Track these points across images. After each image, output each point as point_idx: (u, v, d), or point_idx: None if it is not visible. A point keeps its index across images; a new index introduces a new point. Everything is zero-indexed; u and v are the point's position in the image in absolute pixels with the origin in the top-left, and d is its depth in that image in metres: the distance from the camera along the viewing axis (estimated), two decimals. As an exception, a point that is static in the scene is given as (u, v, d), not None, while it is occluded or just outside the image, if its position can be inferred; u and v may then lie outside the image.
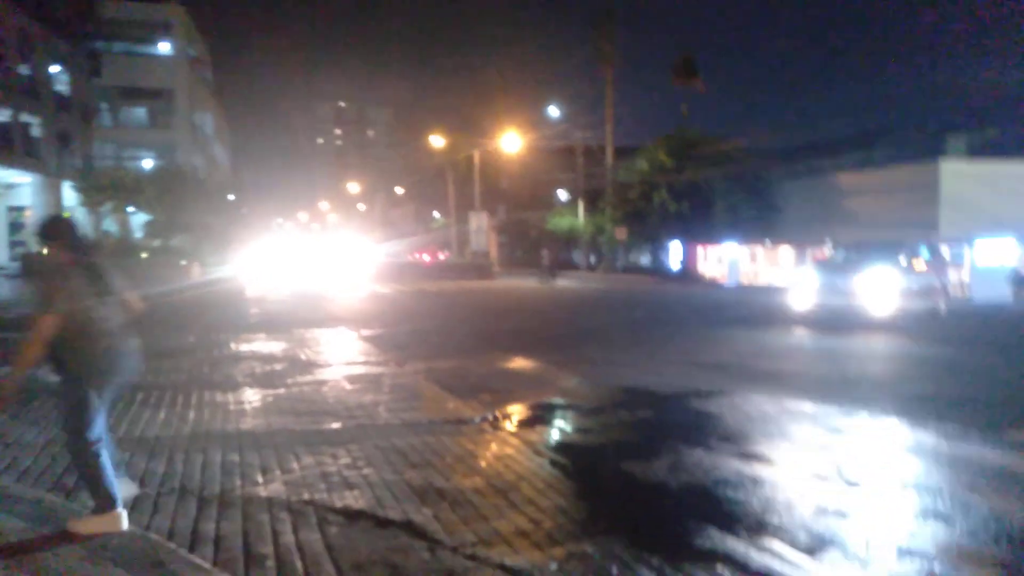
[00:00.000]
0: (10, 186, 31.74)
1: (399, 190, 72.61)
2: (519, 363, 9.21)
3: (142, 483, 4.41)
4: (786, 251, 30.95)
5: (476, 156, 40.58)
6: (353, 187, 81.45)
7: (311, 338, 11.26)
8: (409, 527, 3.80)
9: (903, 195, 25.86)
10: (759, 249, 32.13)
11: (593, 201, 37.44)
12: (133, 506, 4.01)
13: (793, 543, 3.61)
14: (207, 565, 3.19)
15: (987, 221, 21.87)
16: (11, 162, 29.06)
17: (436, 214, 60.62)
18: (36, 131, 31.81)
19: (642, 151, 34.21)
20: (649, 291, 26.14)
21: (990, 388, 7.72)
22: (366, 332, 11.93)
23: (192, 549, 3.43)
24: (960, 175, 24.06)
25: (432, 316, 15.59)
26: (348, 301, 19.73)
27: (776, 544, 3.60)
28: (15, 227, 31.41)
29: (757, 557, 3.45)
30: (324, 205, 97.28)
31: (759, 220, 30.18)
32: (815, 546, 3.59)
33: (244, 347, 10.27)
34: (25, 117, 30.71)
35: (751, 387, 7.56)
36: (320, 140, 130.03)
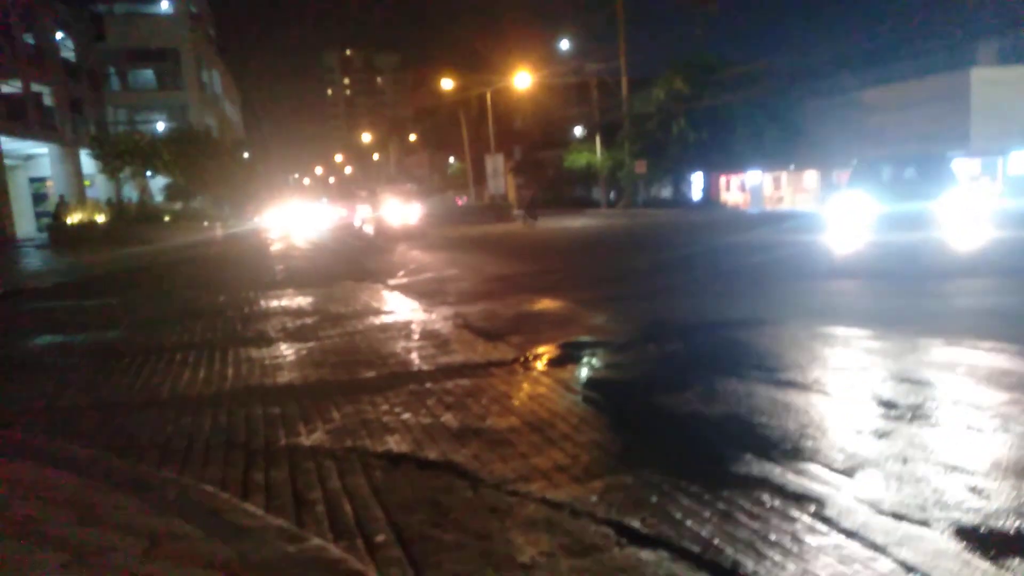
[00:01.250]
0: (29, 157, 32.01)
1: (412, 137, 71.86)
2: (546, 303, 9.26)
3: (191, 438, 4.57)
4: (811, 175, 30.32)
5: (488, 96, 39.87)
6: (365, 137, 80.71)
7: (338, 291, 11.39)
8: (450, 467, 3.91)
9: (932, 108, 25.01)
10: (783, 174, 31.51)
11: (610, 136, 36.76)
12: (186, 459, 4.18)
13: (831, 465, 3.66)
14: (260, 512, 3.32)
15: (1022, 131, 21.15)
16: (27, 133, 29.22)
17: (451, 159, 60.05)
18: (48, 100, 31.85)
19: (658, 80, 33.29)
20: (671, 223, 25.90)
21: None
22: (392, 281, 12.04)
23: (245, 498, 3.57)
24: (992, 83, 23.14)
25: (455, 262, 15.63)
26: (370, 252, 19.84)
27: (814, 467, 3.65)
28: (38, 198, 31.80)
29: (795, 480, 3.51)
30: (338, 157, 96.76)
31: (782, 145, 29.48)
32: (854, 467, 3.63)
33: (273, 303, 10.43)
34: (36, 86, 30.71)
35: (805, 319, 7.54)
36: (329, 91, 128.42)
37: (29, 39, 31.05)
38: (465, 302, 9.54)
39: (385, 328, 8.09)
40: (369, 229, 29.81)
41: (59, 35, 33.69)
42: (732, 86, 29.60)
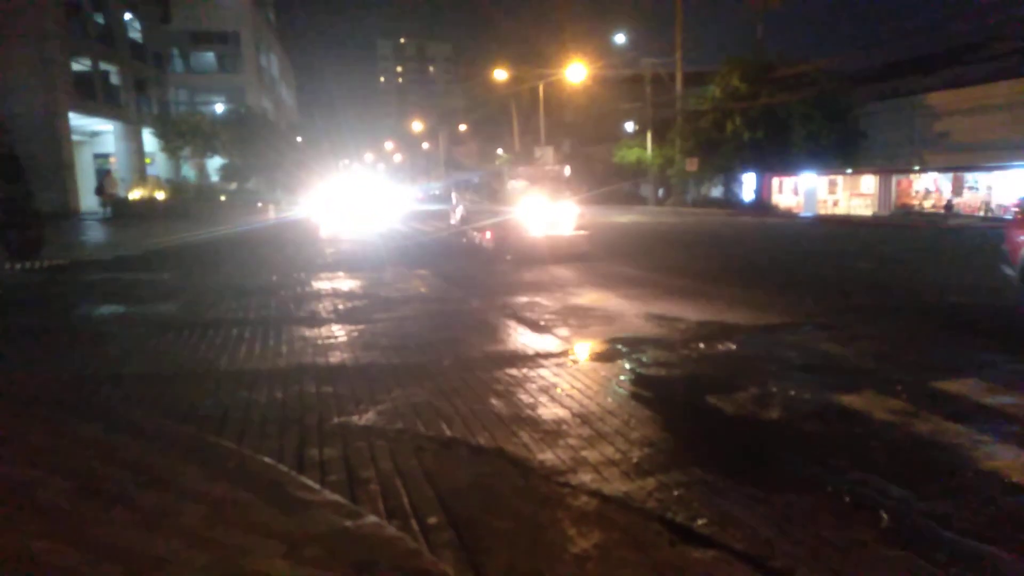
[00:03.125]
0: (94, 134, 33.16)
1: (462, 127, 72.18)
2: (592, 297, 9.21)
3: (248, 412, 4.70)
4: (869, 179, 29.47)
5: (540, 89, 39.75)
6: (416, 126, 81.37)
7: (387, 276, 11.53)
8: (501, 454, 3.94)
9: (1001, 114, 24.04)
10: (839, 178, 30.69)
11: (662, 132, 36.28)
12: (243, 430, 4.30)
13: (890, 475, 3.57)
14: (316, 486, 3.40)
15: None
16: (94, 110, 30.26)
17: (500, 150, 60.18)
18: (114, 79, 32.93)
19: (714, 77, 32.69)
20: (723, 224, 25.48)
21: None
22: (440, 269, 12.13)
23: (300, 472, 3.66)
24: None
25: (504, 253, 15.66)
26: (418, 240, 20.02)
27: (875, 477, 3.56)
28: (102, 174, 32.91)
29: (859, 489, 3.43)
30: (388, 145, 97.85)
31: (840, 147, 28.66)
32: (915, 479, 3.53)
33: (324, 285, 10.62)
34: (104, 65, 31.77)
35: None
36: (382, 79, 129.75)
37: (99, 19, 32.17)
38: (513, 292, 9.57)
39: (432, 314, 8.16)
40: (410, 219, 28.64)
41: (127, 16, 34.80)
42: (791, 85, 28.88)
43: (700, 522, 3.11)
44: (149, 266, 13.46)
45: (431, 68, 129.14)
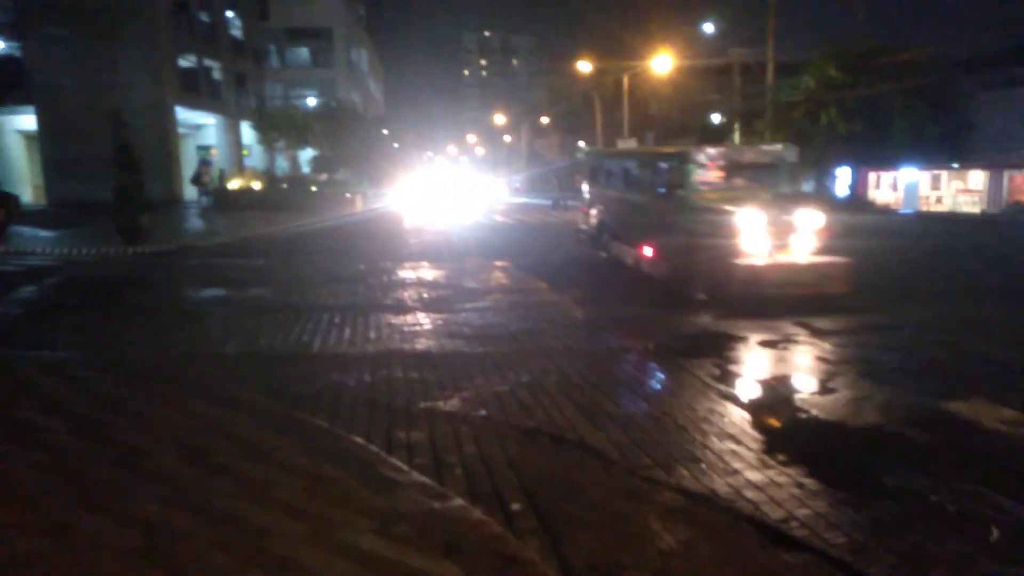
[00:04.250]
0: (198, 127, 35.04)
1: (544, 120, 72.11)
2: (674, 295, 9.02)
3: (339, 394, 4.88)
4: (977, 175, 27.61)
5: (625, 80, 39.19)
6: (498, 119, 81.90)
7: (470, 267, 11.69)
8: (583, 446, 3.94)
9: None
10: (943, 173, 28.88)
11: (750, 124, 35.09)
12: (334, 411, 4.47)
13: (997, 486, 3.35)
14: (405, 467, 3.50)
15: None
16: (198, 104, 31.98)
17: (581, 143, 59.78)
18: (217, 74, 34.68)
19: (808, 66, 31.31)
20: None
21: None
22: (521, 262, 12.20)
23: (389, 453, 3.77)
24: None
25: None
26: (499, 232, 20.18)
27: (974, 486, 3.36)
28: (206, 164, 34.76)
29: (950, 497, 3.25)
30: (471, 138, 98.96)
31: (945, 140, 26.91)
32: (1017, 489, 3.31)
33: (410, 274, 10.87)
34: (207, 62, 33.51)
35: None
36: (466, 72, 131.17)
37: (204, 17, 33.98)
38: (590, 286, 9.52)
39: (515, 306, 8.22)
40: (492, 212, 28.42)
41: (229, 14, 36.59)
42: (892, 74, 27.30)
43: (792, 524, 3.02)
44: (246, 253, 14.15)
45: (515, 61, 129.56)
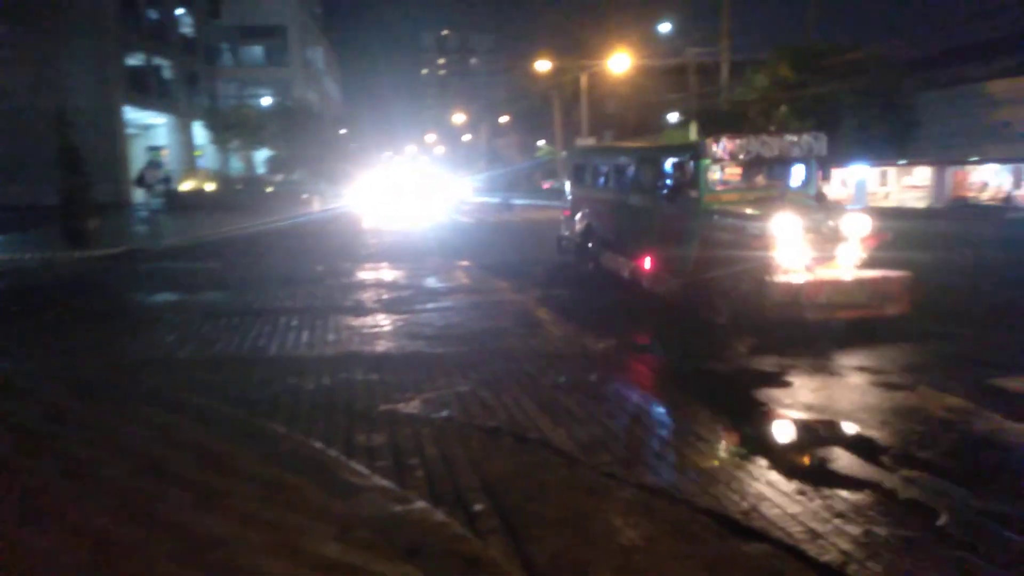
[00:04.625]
0: (147, 127, 34.12)
1: (503, 119, 72.17)
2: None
3: (298, 398, 4.80)
4: (923, 171, 28.56)
5: (583, 79, 39.48)
6: (457, 118, 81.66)
7: (430, 267, 11.63)
8: (546, 445, 3.95)
9: (1067, 103, 22.99)
10: (891, 169, 29.81)
11: (706, 123, 35.66)
12: (293, 416, 4.39)
13: (943, 473, 3.47)
14: (366, 471, 3.46)
15: None
16: (147, 103, 31.13)
17: (541, 143, 60.01)
18: (167, 73, 33.81)
19: (761, 65, 31.95)
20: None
21: None
22: (482, 261, 12.19)
23: (349, 457, 3.72)
24: None
25: (543, 246, 15.66)
26: (459, 232, 20.14)
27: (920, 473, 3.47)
28: (154, 165, 33.91)
29: (900, 484, 3.35)
30: (430, 137, 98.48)
31: (893, 137, 27.75)
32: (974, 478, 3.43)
33: (369, 275, 10.76)
34: (156, 60, 32.65)
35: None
36: (424, 71, 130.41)
37: (152, 14, 33.10)
38: (552, 285, 9.56)
39: (476, 306, 8.20)
40: (451, 211, 28.07)
41: (179, 11, 35.70)
42: (841, 74, 28.05)
43: (750, 516, 3.07)
44: (199, 256, 13.83)
45: (473, 60, 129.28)
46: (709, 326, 6.78)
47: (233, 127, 33.66)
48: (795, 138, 7.51)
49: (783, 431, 4.24)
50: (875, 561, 2.72)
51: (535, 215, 26.22)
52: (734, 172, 7.63)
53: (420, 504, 3.07)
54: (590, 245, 10.07)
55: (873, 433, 4.05)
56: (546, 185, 47.39)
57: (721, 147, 7.22)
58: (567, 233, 11.19)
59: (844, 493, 3.28)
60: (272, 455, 3.60)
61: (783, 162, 7.59)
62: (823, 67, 28.73)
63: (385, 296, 8.88)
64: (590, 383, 5.10)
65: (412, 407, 4.60)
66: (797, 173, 7.70)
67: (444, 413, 4.47)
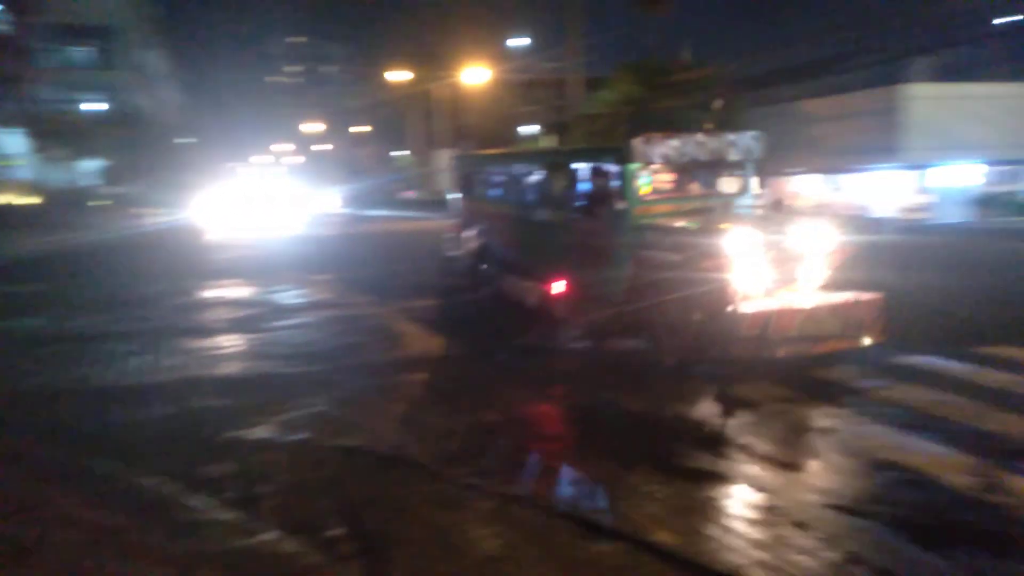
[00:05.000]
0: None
1: (360, 129, 70.88)
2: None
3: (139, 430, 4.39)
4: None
5: (439, 90, 39.63)
6: (312, 127, 79.20)
7: (287, 283, 11.11)
8: (407, 461, 3.87)
9: (865, 121, 26.04)
10: (722, 179, 32.36)
11: (559, 136, 36.98)
12: (128, 450, 4.00)
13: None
14: (211, 505, 3.22)
15: (951, 144, 22.21)
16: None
17: (400, 153, 59.52)
18: (-25, 74, 30.10)
19: (609, 81, 33.66)
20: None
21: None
22: (342, 274, 11.82)
23: (193, 491, 3.45)
24: (923, 99, 24.24)
25: (405, 256, 15.49)
26: (318, 244, 19.45)
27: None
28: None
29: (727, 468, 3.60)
30: (283, 147, 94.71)
31: (729, 150, 30.14)
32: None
33: (214, 293, 10.10)
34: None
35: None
36: (274, 78, 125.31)
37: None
38: (415, 296, 9.45)
39: (334, 321, 7.93)
40: (308, 223, 27.25)
41: (-12, 6, 31.90)
42: (682, 90, 30.14)
43: (606, 516, 3.17)
44: (15, 276, 12.36)
45: (327, 68, 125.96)
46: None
47: (58, 135, 30.53)
48: (733, 138, 6.52)
49: (640, 432, 4.43)
50: (731, 553, 2.89)
51: (396, 227, 25.92)
52: (665, 179, 6.60)
53: (271, 535, 2.90)
54: (485, 267, 8.55)
55: (729, 430, 4.33)
56: (405, 196, 47.00)
57: (652, 148, 6.08)
58: (455, 252, 9.40)
59: (695, 486, 3.47)
60: (100, 496, 3.26)
61: (719, 166, 6.59)
62: (666, 84, 30.77)
63: (234, 315, 8.36)
64: (453, 395, 5.07)
65: (263, 432, 4.35)
66: (734, 179, 6.72)
67: (299, 436, 4.27)
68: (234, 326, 7.68)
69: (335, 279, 11.33)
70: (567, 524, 3.11)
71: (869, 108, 25.83)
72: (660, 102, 29.98)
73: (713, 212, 6.29)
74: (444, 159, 40.38)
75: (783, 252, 5.42)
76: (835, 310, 5.27)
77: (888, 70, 27.75)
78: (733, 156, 6.50)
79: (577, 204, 6.75)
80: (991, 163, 22.98)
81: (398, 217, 30.31)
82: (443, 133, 41.37)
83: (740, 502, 3.32)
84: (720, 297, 5.08)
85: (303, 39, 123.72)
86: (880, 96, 25.63)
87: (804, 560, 2.78)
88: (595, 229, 6.42)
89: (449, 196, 10.05)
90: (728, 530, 3.03)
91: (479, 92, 41.69)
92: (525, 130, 44.37)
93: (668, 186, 6.65)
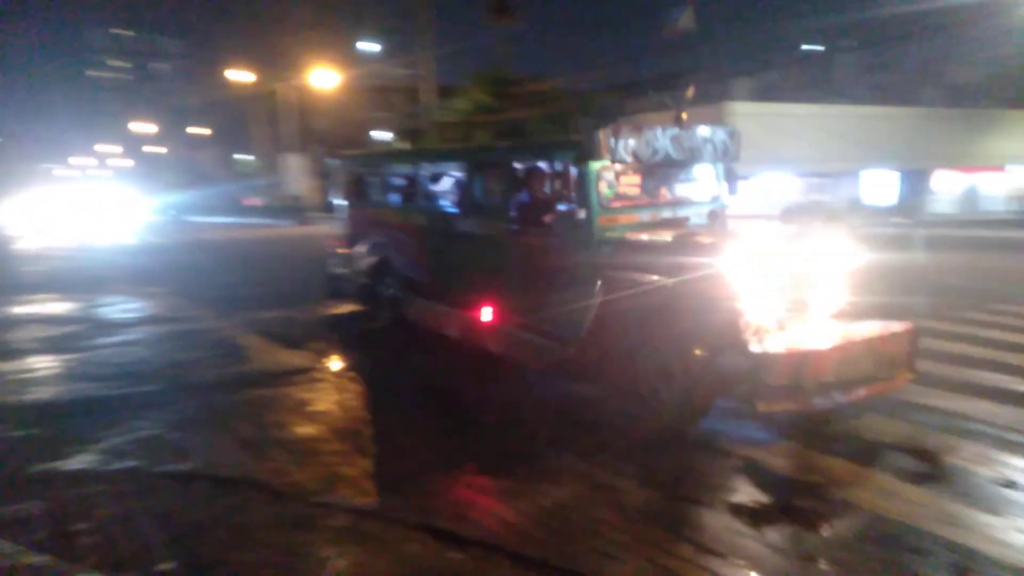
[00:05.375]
0: None
1: (199, 130, 66.50)
2: (346, 308, 8.94)
3: (-87, 471, 3.78)
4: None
5: (286, 92, 38.07)
6: (142, 127, 73.24)
7: (110, 295, 10.12)
8: (249, 483, 3.64)
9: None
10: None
11: (412, 144, 36.78)
12: (-95, 498, 3.45)
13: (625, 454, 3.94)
14: (15, 548, 2.84)
15: (769, 158, 24.61)
16: None
17: (243, 157, 56.47)
18: None
19: (462, 90, 34.04)
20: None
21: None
22: (178, 286, 10.96)
23: (-8, 536, 3.03)
24: (744, 115, 26.68)
25: (248, 266, 14.68)
26: (151, 255, 17.94)
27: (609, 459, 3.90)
28: None
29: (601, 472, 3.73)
30: (109, 148, 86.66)
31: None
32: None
33: (26, 310, 9.00)
34: None
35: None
36: (101, 73, 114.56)
37: None
38: (260, 308, 8.94)
39: (167, 337, 7.32)
40: (137, 230, 25.24)
41: None
42: (532, 101, 31.08)
43: (460, 522, 3.15)
44: None
45: (159, 64, 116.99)
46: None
47: None
48: (708, 133, 5.41)
49: (489, 434, 4.46)
50: (591, 557, 2.97)
51: (241, 235, 24.50)
52: (629, 182, 5.47)
53: (87, 577, 2.60)
54: (389, 290, 7.21)
55: (584, 430, 4.46)
56: (249, 202, 44.58)
57: (621, 143, 4.84)
58: (342, 271, 7.99)
59: (556, 489, 3.55)
60: None
61: (690, 167, 5.59)
62: (516, 95, 31.60)
63: (49, 333, 7.48)
64: (300, 408, 4.84)
65: (81, 462, 3.92)
66: (706, 183, 5.69)
67: (124, 464, 3.88)
68: (49, 345, 6.87)
69: (169, 291, 10.49)
70: (421, 535, 3.06)
71: (701, 123, 28.14)
72: (510, 112, 30.78)
73: (686, 223, 5.32)
74: (292, 163, 38.79)
75: (798, 272, 4.38)
76: (871, 346, 4.21)
77: (718, 89, 30.29)
78: (707, 155, 5.40)
79: (519, 212, 5.44)
80: (802, 175, 25.72)
81: (243, 225, 28.67)
82: (291, 137, 39.78)
83: (597, 503, 3.43)
84: (735, 335, 3.96)
85: (130, 32, 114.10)
86: (710, 112, 27.95)
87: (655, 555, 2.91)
88: (545, 244, 5.19)
89: (335, 203, 8.29)
90: (587, 533, 3.12)
91: (329, 96, 40.52)
92: (378, 136, 43.76)
93: (633, 190, 5.49)
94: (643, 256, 4.58)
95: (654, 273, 4.35)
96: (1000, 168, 29.23)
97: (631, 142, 4.89)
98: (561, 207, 5.37)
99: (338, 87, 38.42)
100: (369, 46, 40.67)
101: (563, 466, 3.79)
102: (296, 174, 39.26)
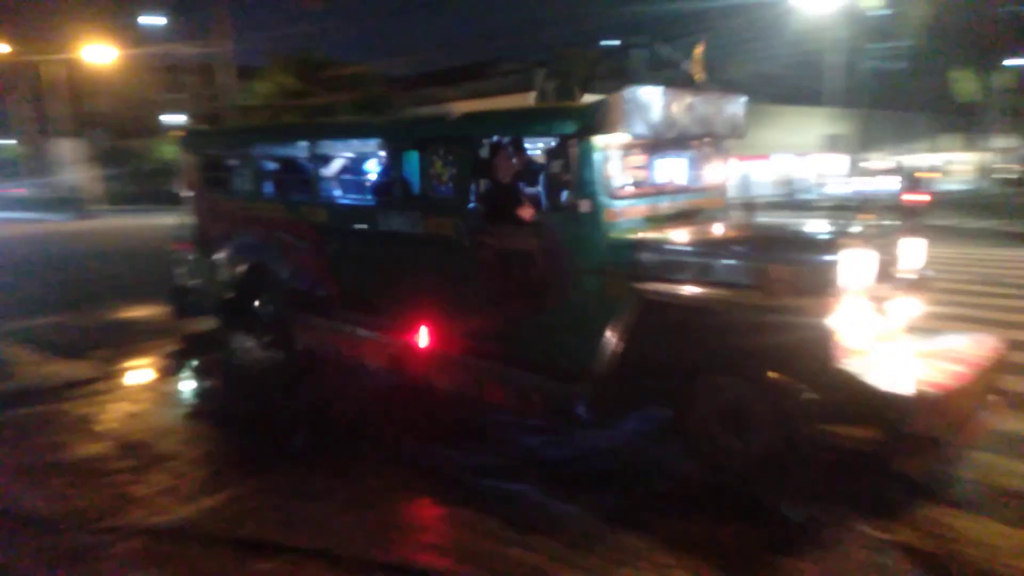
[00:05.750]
0: None
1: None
2: (138, 311, 8.08)
3: None
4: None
5: (53, 69, 33.54)
6: None
7: None
8: (17, 515, 3.19)
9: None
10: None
11: (210, 127, 34.13)
12: None
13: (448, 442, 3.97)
14: None
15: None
16: None
17: (2, 141, 48.98)
18: None
19: (264, 71, 32.17)
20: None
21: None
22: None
23: None
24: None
25: (15, 266, 12.77)
26: None
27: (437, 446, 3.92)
28: None
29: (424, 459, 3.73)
30: None
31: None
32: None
33: None
34: None
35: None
36: None
37: None
38: (30, 314, 7.81)
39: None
40: None
41: None
42: (341, 86, 30.10)
43: (268, 531, 3.00)
44: None
45: None
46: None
47: None
48: (722, 102, 4.21)
49: (289, 437, 4.28)
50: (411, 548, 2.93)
51: (2, 230, 21.24)
52: (634, 162, 4.18)
53: None
54: (271, 305, 5.74)
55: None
56: (13, 193, 38.74)
57: (639, 112, 3.63)
58: (194, 283, 6.39)
59: (365, 491, 3.47)
60: None
61: (698, 142, 4.40)
62: (324, 79, 30.40)
63: None
64: (81, 426, 4.31)
65: None
66: (709, 164, 4.56)
67: None
68: None
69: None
70: (224, 548, 2.87)
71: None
72: (318, 96, 29.59)
73: (702, 215, 4.24)
74: (66, 149, 34.30)
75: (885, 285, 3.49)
76: (993, 369, 3.49)
77: (522, 79, 31.43)
78: (719, 128, 4.23)
79: (483, 205, 4.16)
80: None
81: (3, 220, 24.79)
82: (62, 119, 35.17)
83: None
84: (847, 364, 2.95)
85: None
86: (513, 102, 28.96)
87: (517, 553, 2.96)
88: (525, 248, 3.95)
89: (180, 194, 6.49)
90: (410, 528, 3.11)
91: (109, 74, 36.29)
92: (170, 119, 40.10)
93: (639, 175, 4.27)
94: (683, 263, 3.47)
95: (710, 285, 3.31)
96: (766, 156, 33.28)
97: (654, 111, 3.68)
98: (545, 198, 4.26)
99: (118, 65, 34.51)
100: (153, 19, 36.97)
101: (372, 468, 3.74)
102: (71, 161, 34.80)
